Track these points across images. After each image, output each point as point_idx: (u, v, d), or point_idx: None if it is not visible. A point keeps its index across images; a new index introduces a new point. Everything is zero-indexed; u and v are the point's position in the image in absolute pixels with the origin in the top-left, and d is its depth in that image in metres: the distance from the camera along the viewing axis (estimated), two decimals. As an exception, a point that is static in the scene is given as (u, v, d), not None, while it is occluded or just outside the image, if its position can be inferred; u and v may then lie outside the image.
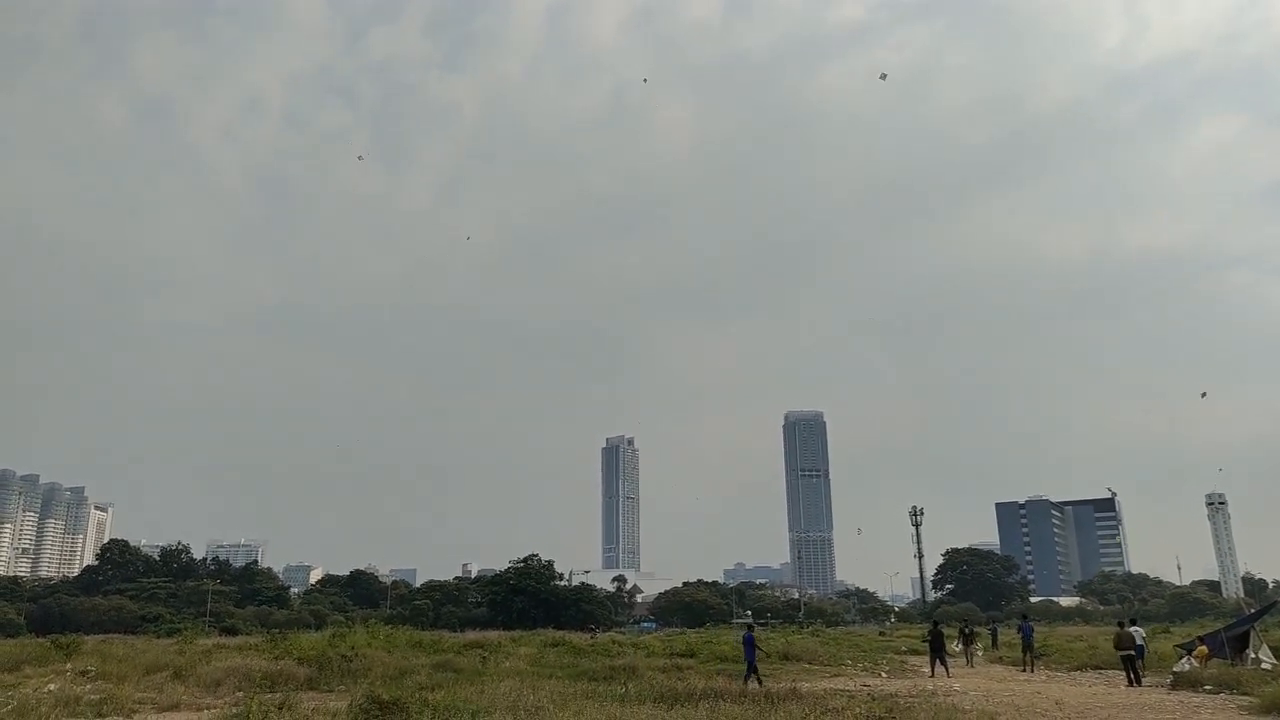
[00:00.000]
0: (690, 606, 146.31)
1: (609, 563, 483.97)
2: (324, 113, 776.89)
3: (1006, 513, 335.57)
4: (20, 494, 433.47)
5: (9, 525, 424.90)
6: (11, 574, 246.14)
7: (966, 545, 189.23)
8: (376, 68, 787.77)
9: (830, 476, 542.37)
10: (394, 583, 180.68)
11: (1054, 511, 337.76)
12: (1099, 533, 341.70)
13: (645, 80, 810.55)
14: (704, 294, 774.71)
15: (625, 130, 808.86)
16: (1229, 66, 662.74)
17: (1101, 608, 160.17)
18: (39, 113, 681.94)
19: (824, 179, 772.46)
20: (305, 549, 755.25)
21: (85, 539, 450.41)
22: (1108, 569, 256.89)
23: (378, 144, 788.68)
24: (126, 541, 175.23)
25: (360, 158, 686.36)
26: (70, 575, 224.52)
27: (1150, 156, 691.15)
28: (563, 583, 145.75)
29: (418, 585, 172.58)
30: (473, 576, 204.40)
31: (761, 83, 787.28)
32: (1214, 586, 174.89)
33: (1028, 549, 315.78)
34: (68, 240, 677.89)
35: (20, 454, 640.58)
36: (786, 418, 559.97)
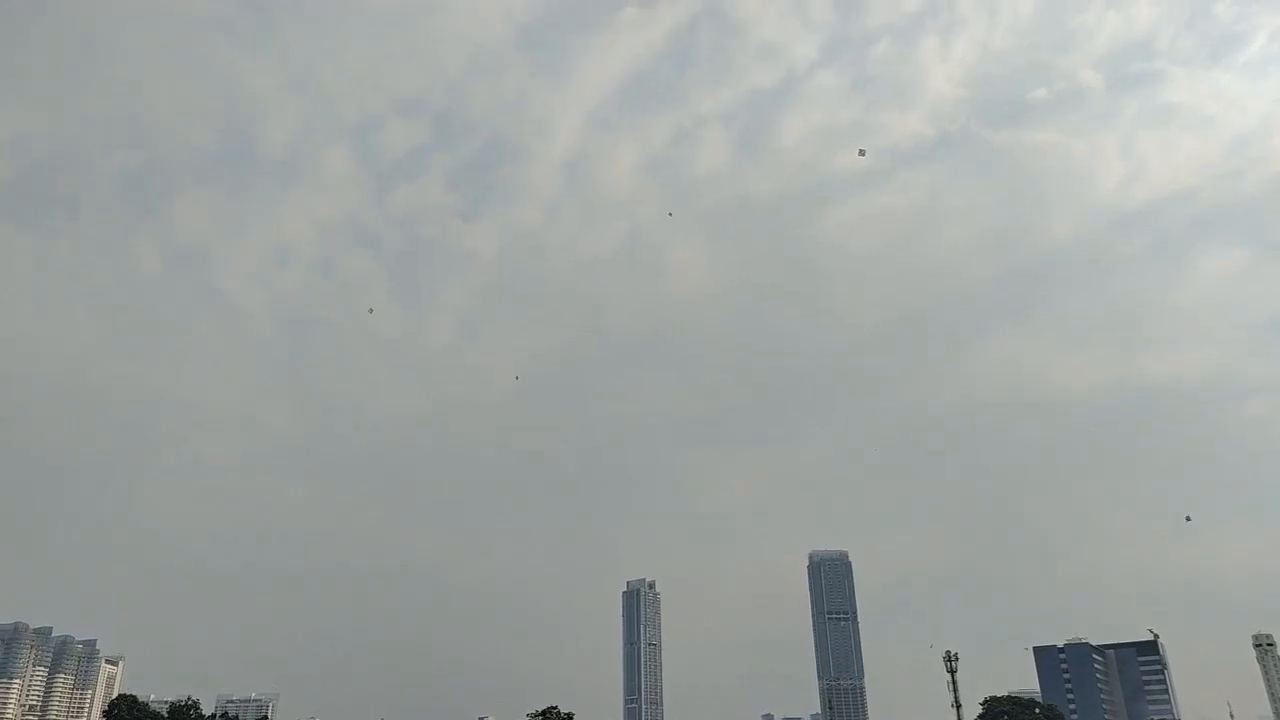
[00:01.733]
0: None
1: (631, 715, 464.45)
2: (350, 260, 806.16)
3: (1045, 657, 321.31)
4: (33, 648, 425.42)
5: (18, 681, 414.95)
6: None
7: (1006, 692, 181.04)
8: (401, 219, 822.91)
9: (859, 619, 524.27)
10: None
11: (1095, 656, 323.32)
12: (1144, 677, 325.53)
13: (670, 214, 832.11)
14: (725, 432, 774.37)
15: (640, 270, 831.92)
16: (1228, 203, 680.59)
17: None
18: (78, 262, 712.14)
19: (836, 315, 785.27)
20: (317, 703, 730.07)
21: (94, 694, 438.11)
22: (1156, 717, 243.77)
23: (400, 288, 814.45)
24: (135, 697, 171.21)
25: (370, 310, 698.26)
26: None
27: (1157, 290, 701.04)
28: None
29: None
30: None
31: (770, 224, 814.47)
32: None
33: (1070, 696, 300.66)
34: (99, 386, 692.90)
35: (35, 607, 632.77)
36: (810, 558, 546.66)
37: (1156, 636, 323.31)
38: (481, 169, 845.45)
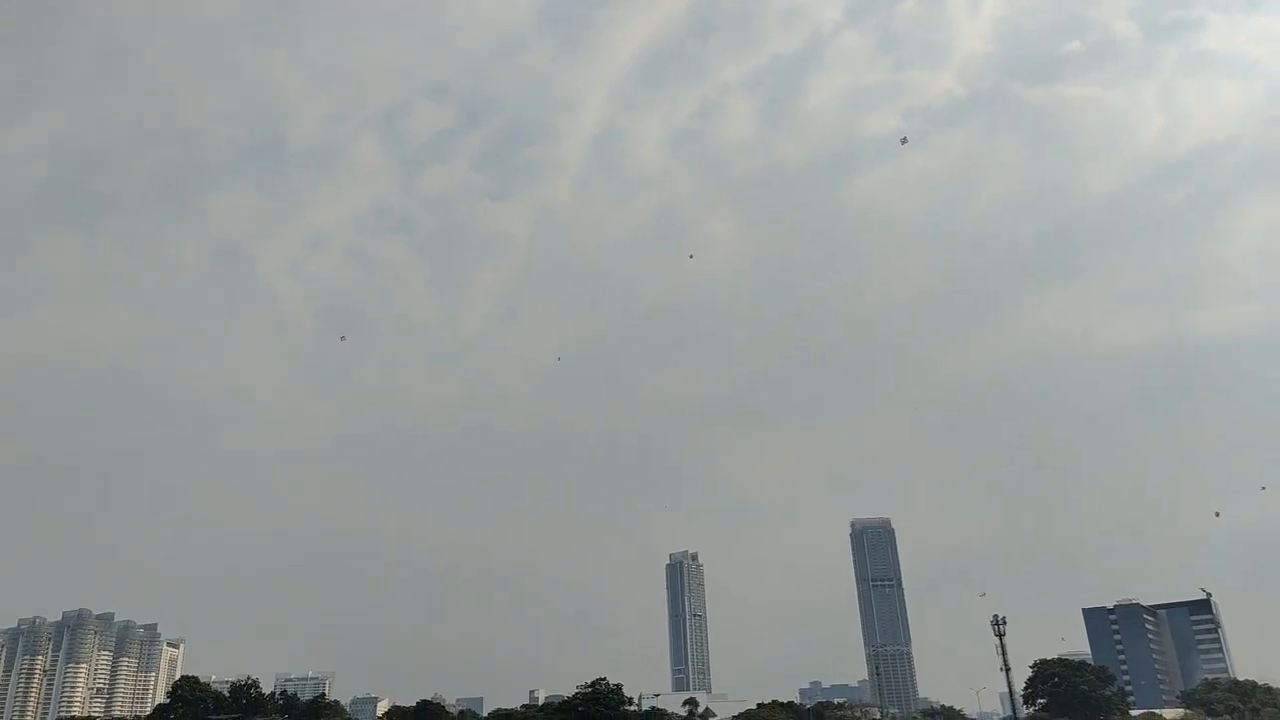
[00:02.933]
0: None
1: (679, 684, 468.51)
2: (383, 247, 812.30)
3: (1095, 619, 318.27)
4: (96, 633, 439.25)
5: (85, 665, 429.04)
6: (86, 715, 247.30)
7: (1055, 655, 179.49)
8: (431, 202, 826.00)
9: (904, 585, 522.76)
10: (461, 712, 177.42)
11: (1146, 616, 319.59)
12: (1197, 637, 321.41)
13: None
14: (760, 403, 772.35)
15: (673, 246, 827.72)
16: (1274, 150, 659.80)
17: (1209, 719, 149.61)
18: (118, 259, 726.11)
19: (872, 282, 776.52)
20: (372, 680, 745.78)
21: (158, 676, 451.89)
22: (1211, 676, 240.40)
23: (435, 273, 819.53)
24: (197, 678, 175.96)
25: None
26: (143, 714, 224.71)
27: (1202, 242, 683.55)
28: (633, 708, 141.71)
29: (485, 714, 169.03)
30: (540, 703, 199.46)
31: (801, 193, 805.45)
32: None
33: (1121, 657, 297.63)
34: (145, 380, 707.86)
35: (98, 594, 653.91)
36: (853, 526, 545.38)
37: (1209, 595, 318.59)
38: (509, 149, 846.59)
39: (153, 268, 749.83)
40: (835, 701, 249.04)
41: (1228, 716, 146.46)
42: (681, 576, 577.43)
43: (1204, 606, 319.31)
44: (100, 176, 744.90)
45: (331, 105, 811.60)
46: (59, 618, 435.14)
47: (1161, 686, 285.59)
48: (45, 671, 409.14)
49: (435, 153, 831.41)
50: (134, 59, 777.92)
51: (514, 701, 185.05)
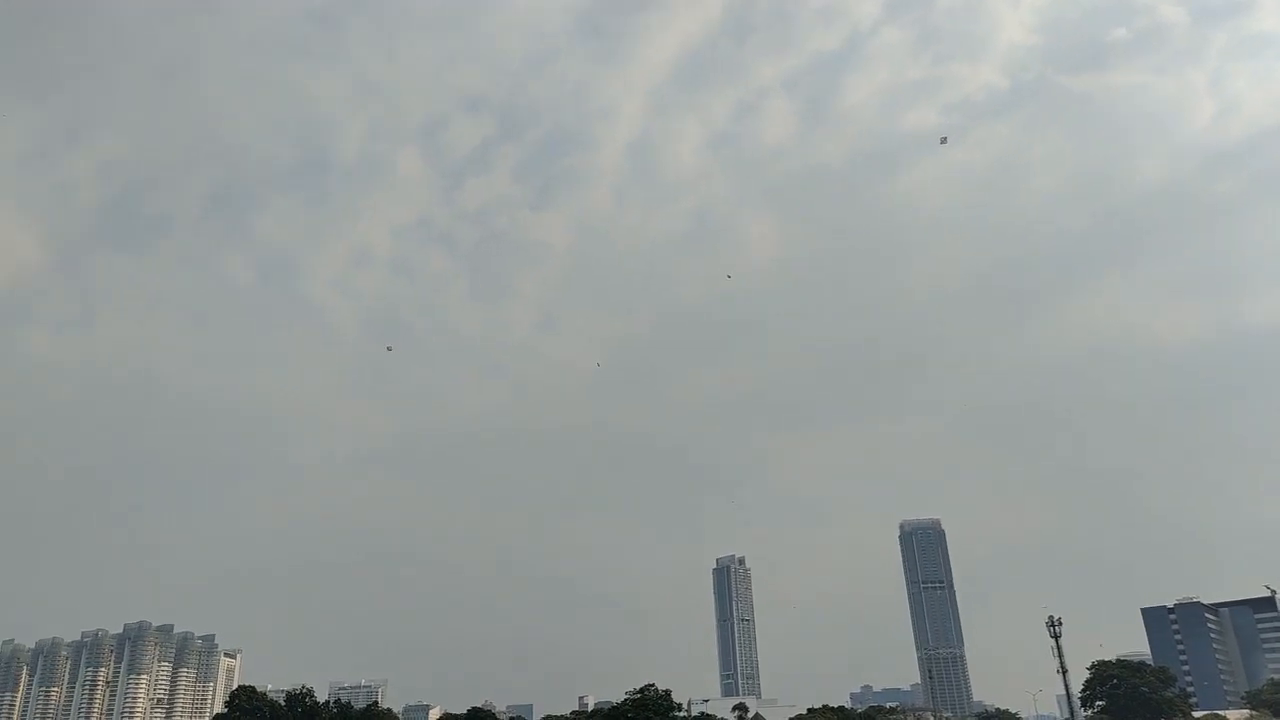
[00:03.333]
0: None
1: (728, 690, 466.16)
2: (426, 258, 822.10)
3: (1155, 618, 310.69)
4: (156, 645, 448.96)
5: (145, 676, 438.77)
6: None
7: (1114, 657, 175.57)
8: (472, 214, 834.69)
9: (955, 587, 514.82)
10: (512, 719, 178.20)
11: (1208, 615, 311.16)
12: (1262, 636, 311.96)
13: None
14: (806, 404, 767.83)
15: (713, 249, 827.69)
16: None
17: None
18: (172, 277, 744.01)
19: (917, 279, 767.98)
20: (425, 688, 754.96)
21: (215, 686, 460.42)
22: (1277, 676, 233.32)
23: (478, 283, 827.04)
24: (254, 687, 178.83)
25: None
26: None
27: (1259, 229, 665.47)
28: (682, 713, 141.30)
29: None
30: (589, 710, 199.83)
31: (843, 192, 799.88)
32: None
33: (1183, 658, 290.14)
34: (199, 394, 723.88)
35: (157, 606, 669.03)
36: (901, 528, 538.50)
37: (1275, 592, 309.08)
38: (547, 159, 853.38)
39: (205, 284, 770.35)
40: (887, 706, 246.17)
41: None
42: (729, 581, 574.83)
43: (1269, 604, 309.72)
44: (154, 197, 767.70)
45: (372, 120, 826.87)
46: (120, 630, 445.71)
47: (1225, 687, 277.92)
48: (108, 683, 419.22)
49: (475, 164, 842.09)
50: (181, 82, 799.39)
51: (564, 708, 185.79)
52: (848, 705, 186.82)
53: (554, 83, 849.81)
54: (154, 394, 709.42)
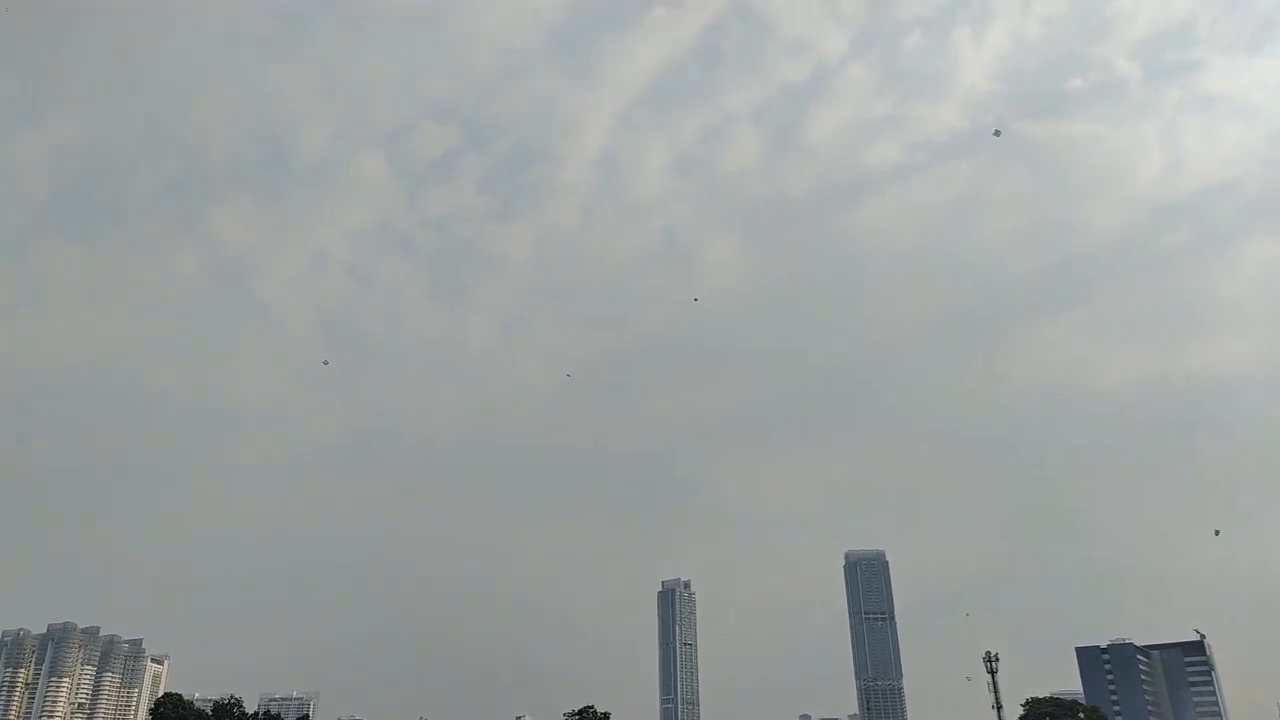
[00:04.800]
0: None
1: (667, 715, 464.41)
2: (385, 264, 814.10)
3: (1088, 658, 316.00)
4: (80, 647, 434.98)
5: (67, 679, 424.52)
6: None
7: (1048, 694, 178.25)
8: (434, 222, 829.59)
9: (896, 619, 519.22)
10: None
11: (1140, 656, 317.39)
12: (1190, 679, 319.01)
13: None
14: (761, 430, 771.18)
15: (675, 270, 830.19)
16: (1275, 191, 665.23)
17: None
18: (121, 270, 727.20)
19: (874, 311, 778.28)
20: (357, 702, 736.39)
21: (141, 693, 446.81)
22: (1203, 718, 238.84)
23: (437, 292, 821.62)
24: (180, 695, 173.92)
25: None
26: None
27: (1204, 280, 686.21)
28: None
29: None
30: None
31: (806, 221, 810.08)
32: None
33: (1114, 698, 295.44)
34: (141, 392, 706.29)
35: (83, 606, 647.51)
36: (846, 558, 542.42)
37: (1203, 636, 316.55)
38: (513, 171, 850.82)
39: (155, 279, 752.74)
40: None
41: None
42: (673, 604, 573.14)
43: (1198, 648, 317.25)
44: (104, 187, 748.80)
45: (337, 122, 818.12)
46: (44, 630, 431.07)
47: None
48: (27, 684, 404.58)
49: (439, 173, 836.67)
50: (139, 71, 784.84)
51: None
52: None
53: (523, 96, 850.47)
54: (97, 388, 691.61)
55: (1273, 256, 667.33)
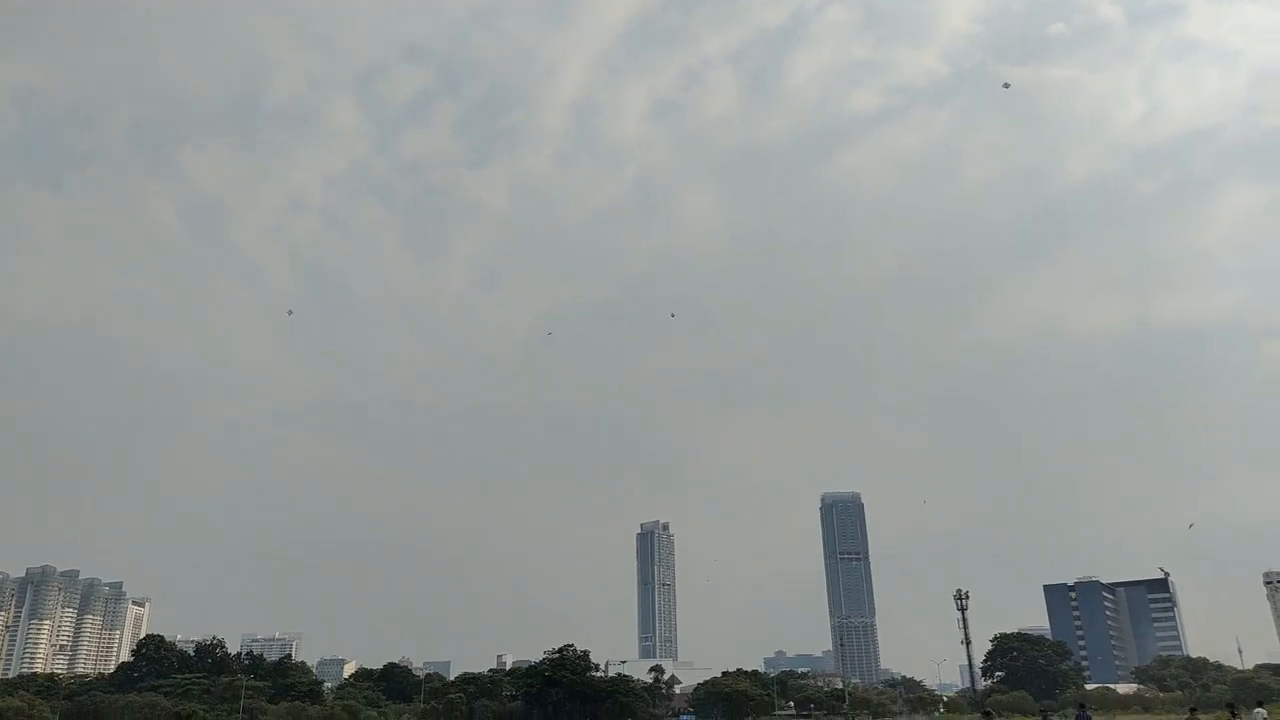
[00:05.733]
0: (730, 698, 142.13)
1: (645, 652, 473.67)
2: (360, 210, 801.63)
3: (1055, 595, 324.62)
4: (60, 590, 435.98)
5: (48, 621, 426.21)
6: (49, 671, 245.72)
7: (1016, 630, 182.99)
8: (409, 167, 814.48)
9: (870, 559, 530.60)
10: (428, 676, 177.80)
11: (1105, 594, 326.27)
12: (1153, 615, 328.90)
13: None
14: (737, 378, 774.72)
15: (652, 219, 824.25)
16: (1253, 139, 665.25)
17: (1161, 695, 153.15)
18: (91, 216, 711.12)
19: (853, 261, 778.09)
20: (339, 642, 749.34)
21: (122, 634, 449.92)
22: (1165, 654, 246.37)
23: (413, 237, 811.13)
24: (162, 637, 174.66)
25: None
26: (106, 672, 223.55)
27: (1180, 230, 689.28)
28: (599, 674, 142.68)
29: (452, 678, 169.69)
30: (507, 668, 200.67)
31: (784, 168, 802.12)
32: (1278, 670, 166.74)
33: (1080, 633, 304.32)
34: (117, 337, 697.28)
35: (62, 550, 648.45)
36: (823, 499, 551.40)
37: (1167, 574, 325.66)
38: (488, 116, 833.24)
39: (126, 224, 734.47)
40: (799, 671, 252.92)
41: (1180, 692, 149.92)
42: (652, 546, 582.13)
43: (1161, 585, 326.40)
44: (72, 130, 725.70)
45: (308, 64, 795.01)
46: (23, 574, 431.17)
47: (1117, 662, 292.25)
48: (7, 627, 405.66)
49: (413, 117, 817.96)
50: (108, 11, 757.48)
51: (481, 666, 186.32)
52: (761, 670, 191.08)
53: (498, 38, 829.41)
54: (72, 336, 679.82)
55: (1249, 205, 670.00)
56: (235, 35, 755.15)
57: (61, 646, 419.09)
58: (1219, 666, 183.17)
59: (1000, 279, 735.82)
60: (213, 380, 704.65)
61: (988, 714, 40.22)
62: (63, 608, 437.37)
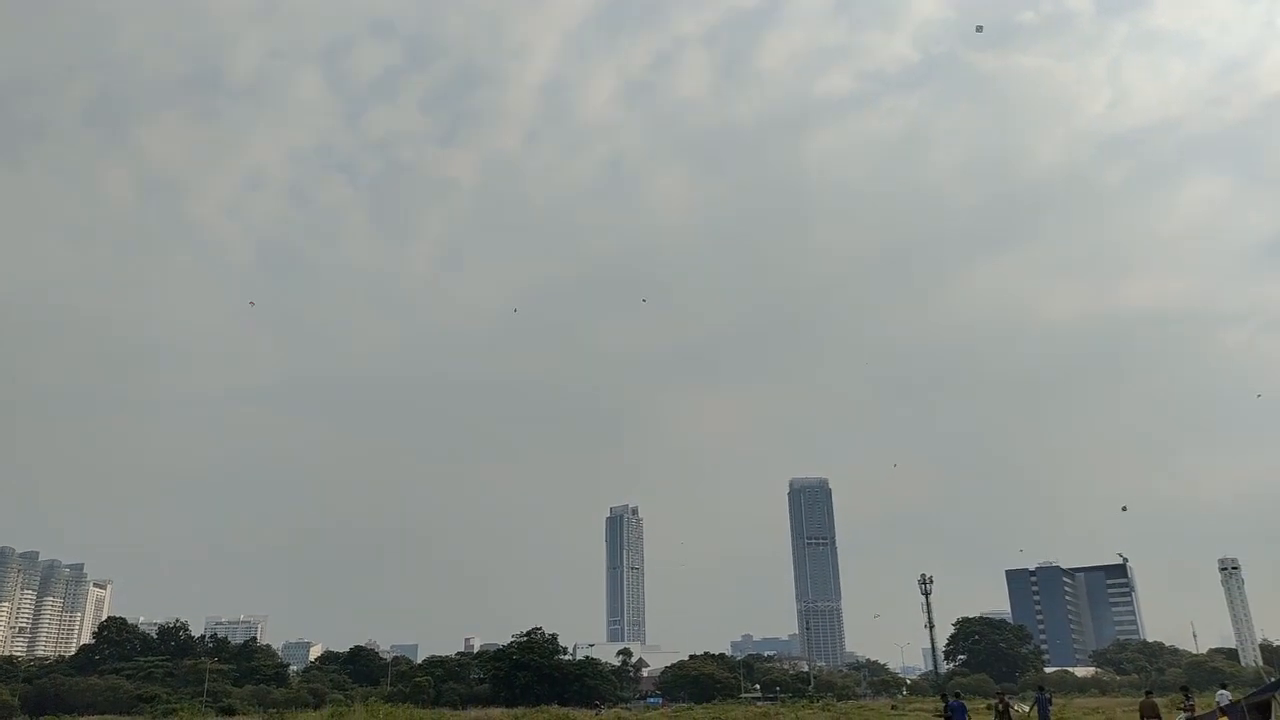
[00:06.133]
0: (697, 680, 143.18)
1: (614, 635, 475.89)
2: (325, 188, 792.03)
3: (1017, 580, 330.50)
4: (20, 571, 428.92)
5: (7, 604, 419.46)
6: (7, 654, 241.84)
7: (978, 614, 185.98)
8: (376, 144, 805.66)
9: (837, 544, 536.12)
10: (395, 659, 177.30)
11: (1065, 579, 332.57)
12: (1111, 600, 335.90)
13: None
14: (706, 361, 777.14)
15: (622, 200, 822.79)
16: (1215, 130, 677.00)
17: (1118, 678, 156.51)
18: (46, 191, 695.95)
19: (821, 244, 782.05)
20: (305, 625, 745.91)
21: (83, 617, 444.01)
22: (1122, 638, 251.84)
23: (378, 215, 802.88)
24: (124, 619, 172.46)
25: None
26: (67, 654, 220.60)
27: (1142, 217, 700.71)
28: (567, 657, 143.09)
29: (419, 661, 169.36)
30: (475, 651, 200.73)
31: (754, 151, 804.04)
32: (1231, 654, 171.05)
33: (1040, 618, 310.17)
34: (75, 315, 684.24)
35: (20, 531, 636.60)
36: (791, 485, 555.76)
37: (1125, 560, 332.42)
38: (456, 93, 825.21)
39: (83, 200, 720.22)
40: (765, 654, 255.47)
41: (1136, 676, 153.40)
42: (621, 530, 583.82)
43: (1120, 571, 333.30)
44: (26, 105, 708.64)
45: (271, 37, 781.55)
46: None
47: (1075, 646, 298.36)
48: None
49: (380, 93, 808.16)
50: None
51: (449, 649, 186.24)
52: (728, 653, 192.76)
53: (467, 14, 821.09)
54: (28, 312, 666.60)
55: (1211, 194, 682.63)
56: (194, 6, 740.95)
57: (21, 629, 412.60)
58: (1174, 650, 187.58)
59: (967, 263, 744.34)
60: (171, 355, 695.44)
61: (945, 696, 40.66)
62: (22, 589, 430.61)
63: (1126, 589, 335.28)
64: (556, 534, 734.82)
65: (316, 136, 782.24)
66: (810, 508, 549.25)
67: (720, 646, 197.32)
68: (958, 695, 46.23)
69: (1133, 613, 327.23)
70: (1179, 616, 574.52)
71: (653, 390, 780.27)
